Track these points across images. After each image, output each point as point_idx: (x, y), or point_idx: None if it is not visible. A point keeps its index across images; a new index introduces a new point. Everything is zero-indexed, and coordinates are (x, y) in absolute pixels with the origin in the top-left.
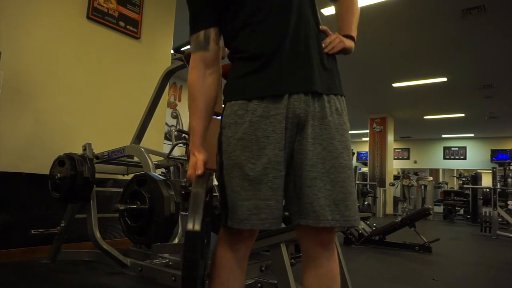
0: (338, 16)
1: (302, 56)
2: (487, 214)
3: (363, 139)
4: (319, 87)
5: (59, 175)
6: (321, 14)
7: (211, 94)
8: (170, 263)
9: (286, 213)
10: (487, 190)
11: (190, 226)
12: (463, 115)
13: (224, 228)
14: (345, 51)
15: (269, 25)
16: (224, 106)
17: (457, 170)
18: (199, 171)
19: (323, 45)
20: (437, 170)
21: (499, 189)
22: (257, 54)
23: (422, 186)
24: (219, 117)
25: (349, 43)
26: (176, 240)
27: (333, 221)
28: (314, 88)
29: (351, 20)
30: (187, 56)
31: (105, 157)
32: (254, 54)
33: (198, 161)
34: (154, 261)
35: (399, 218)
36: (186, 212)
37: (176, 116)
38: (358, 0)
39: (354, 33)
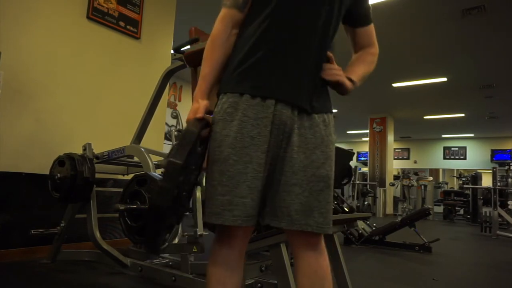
0: (352, 59)
1: (302, 70)
2: (487, 214)
3: (363, 139)
4: (309, 106)
5: (59, 175)
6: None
7: (228, 53)
8: (170, 263)
9: None
10: (486, 190)
11: (172, 157)
12: (463, 115)
13: (218, 226)
14: (339, 85)
15: (282, 30)
16: (217, 100)
17: (457, 170)
18: (199, 115)
19: (323, 67)
20: (437, 170)
21: (493, 189)
22: (262, 52)
23: (422, 186)
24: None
25: (348, 83)
26: (176, 240)
27: (306, 225)
28: (302, 105)
29: (361, 72)
30: (187, 56)
31: (105, 157)
32: (260, 52)
33: (200, 106)
34: (154, 261)
35: (399, 218)
36: (187, 213)
37: (176, 116)
38: None
39: (356, 81)
